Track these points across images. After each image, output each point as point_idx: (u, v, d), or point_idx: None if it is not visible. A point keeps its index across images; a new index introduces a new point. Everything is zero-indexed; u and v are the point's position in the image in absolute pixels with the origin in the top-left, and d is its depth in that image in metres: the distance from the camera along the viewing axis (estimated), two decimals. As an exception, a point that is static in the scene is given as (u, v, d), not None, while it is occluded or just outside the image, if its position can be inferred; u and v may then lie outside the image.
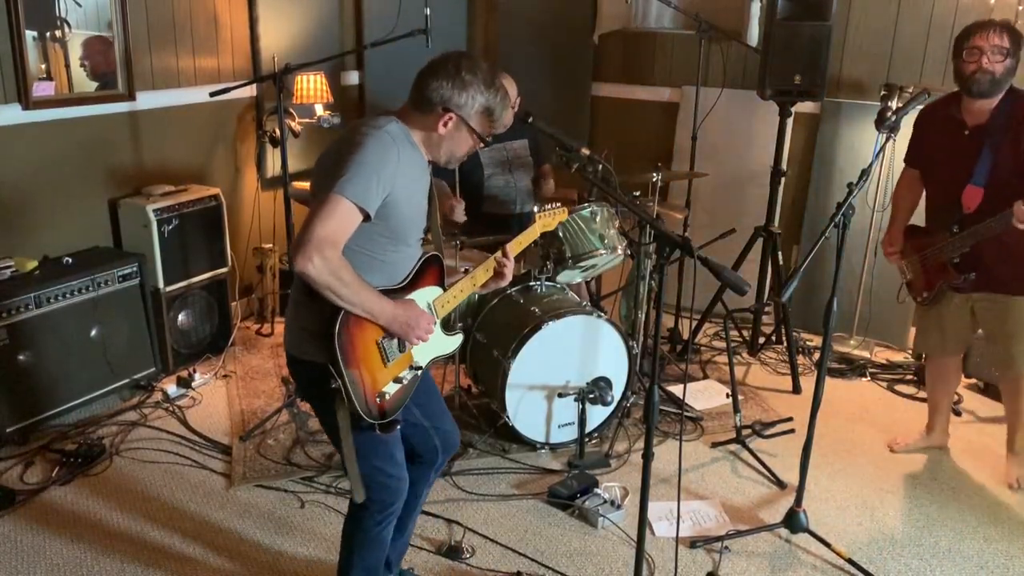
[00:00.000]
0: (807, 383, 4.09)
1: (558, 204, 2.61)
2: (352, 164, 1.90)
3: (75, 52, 3.61)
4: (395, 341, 2.08)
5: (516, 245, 2.41)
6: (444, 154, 2.12)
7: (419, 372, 2.18)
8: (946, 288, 3.15)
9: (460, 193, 3.83)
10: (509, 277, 2.33)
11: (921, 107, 3.05)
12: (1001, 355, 3.16)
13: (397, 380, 2.10)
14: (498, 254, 2.30)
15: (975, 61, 2.85)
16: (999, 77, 2.84)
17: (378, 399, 2.05)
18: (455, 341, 2.32)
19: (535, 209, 2.56)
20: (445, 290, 2.23)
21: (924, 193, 3.26)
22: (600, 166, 3.39)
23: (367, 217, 1.93)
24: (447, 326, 2.29)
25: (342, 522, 2.31)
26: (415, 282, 2.14)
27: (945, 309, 3.21)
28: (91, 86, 3.70)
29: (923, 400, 3.94)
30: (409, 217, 2.07)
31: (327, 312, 1.94)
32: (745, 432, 3.51)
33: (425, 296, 2.17)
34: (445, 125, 2.04)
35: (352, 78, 5.06)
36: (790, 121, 4.30)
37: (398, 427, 2.11)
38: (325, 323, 1.94)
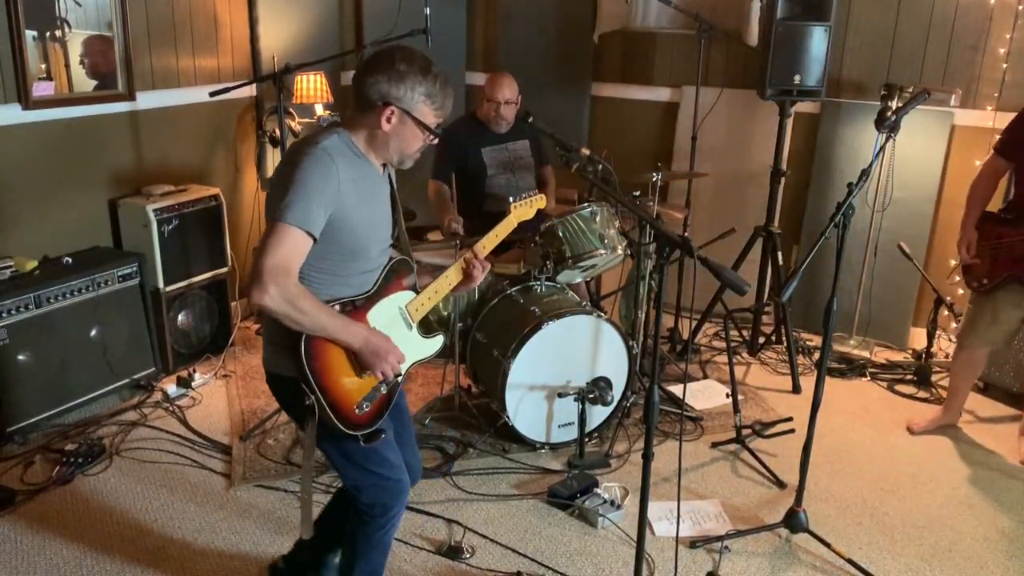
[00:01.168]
0: (807, 383, 4.09)
1: (535, 192, 2.55)
2: (291, 188, 1.87)
3: (75, 52, 3.61)
4: None
5: (492, 239, 2.35)
6: (394, 152, 2.04)
7: (399, 379, 2.15)
8: (1012, 280, 3.17)
9: (462, 192, 3.83)
10: (479, 278, 2.27)
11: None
12: None
13: (376, 389, 2.07)
14: (468, 254, 2.25)
15: None
16: None
17: (357, 410, 2.02)
18: (435, 344, 2.27)
19: (510, 200, 2.48)
20: (418, 293, 2.21)
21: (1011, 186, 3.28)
22: (600, 166, 3.39)
23: (314, 240, 1.91)
24: (427, 329, 2.25)
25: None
26: (384, 289, 2.11)
27: (1001, 302, 3.26)
28: (91, 85, 3.70)
29: (923, 400, 3.98)
30: (364, 230, 2.01)
31: (293, 335, 1.92)
32: (745, 432, 3.51)
33: (397, 301, 2.15)
34: (388, 121, 1.98)
35: (352, 78, 5.05)
36: (790, 121, 4.30)
37: (383, 435, 2.08)
38: (293, 338, 1.92)
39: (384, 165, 2.12)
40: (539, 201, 2.53)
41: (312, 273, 1.98)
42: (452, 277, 2.26)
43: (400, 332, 2.14)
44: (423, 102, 1.99)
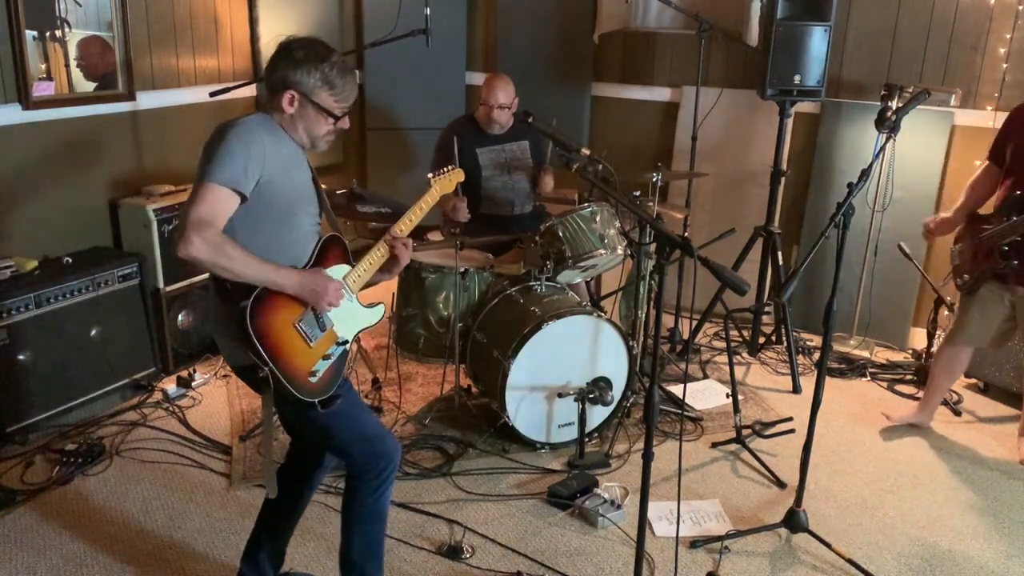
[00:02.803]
0: (807, 383, 4.09)
1: (452, 167, 2.59)
2: (218, 153, 1.98)
3: (75, 52, 3.60)
4: (314, 322, 2.12)
5: (418, 212, 2.40)
6: (303, 134, 2.15)
7: (346, 346, 2.22)
8: (989, 274, 3.22)
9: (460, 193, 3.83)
10: (404, 257, 2.32)
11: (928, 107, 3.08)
12: None
13: (326, 358, 2.15)
14: (387, 235, 2.31)
15: None
16: None
17: (311, 378, 2.10)
18: (377, 313, 2.33)
19: (429, 176, 2.53)
20: (353, 266, 2.27)
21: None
22: (600, 166, 3.39)
23: (244, 198, 1.99)
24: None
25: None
26: (320, 262, 2.18)
27: (984, 299, 3.30)
28: (91, 85, 3.69)
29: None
30: (293, 195, 2.11)
31: (237, 314, 1.99)
32: (745, 432, 3.51)
33: (335, 274, 2.21)
34: (291, 104, 2.09)
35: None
36: (790, 121, 4.30)
37: (339, 400, 2.15)
38: (238, 323, 1.99)
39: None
40: (456, 174, 2.60)
41: (255, 239, 2.04)
42: (381, 251, 2.32)
43: (342, 303, 2.20)
44: (320, 88, 2.09)
